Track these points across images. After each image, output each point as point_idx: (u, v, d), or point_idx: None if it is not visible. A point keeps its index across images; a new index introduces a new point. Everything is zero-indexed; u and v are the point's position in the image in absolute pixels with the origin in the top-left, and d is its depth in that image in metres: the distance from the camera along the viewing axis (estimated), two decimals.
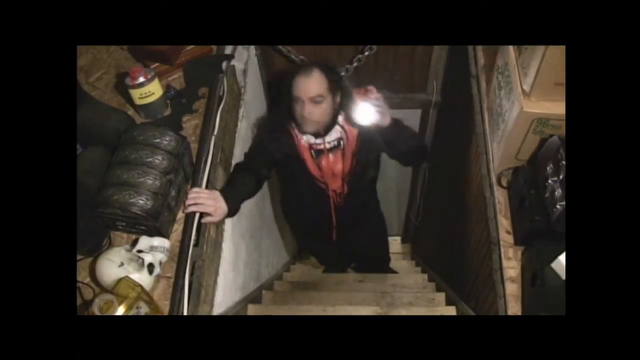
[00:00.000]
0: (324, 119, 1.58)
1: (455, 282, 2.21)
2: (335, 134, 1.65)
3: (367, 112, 1.48)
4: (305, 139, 1.66)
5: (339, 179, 1.75)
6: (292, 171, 1.77)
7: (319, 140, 1.65)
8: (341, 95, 1.59)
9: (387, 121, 1.52)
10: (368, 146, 1.67)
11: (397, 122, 1.56)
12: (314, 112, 1.54)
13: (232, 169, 1.67)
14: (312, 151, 1.67)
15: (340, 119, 1.63)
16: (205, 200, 1.36)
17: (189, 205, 1.36)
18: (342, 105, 1.61)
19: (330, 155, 1.68)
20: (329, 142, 1.66)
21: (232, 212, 1.47)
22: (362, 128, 1.60)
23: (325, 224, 1.94)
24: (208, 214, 1.37)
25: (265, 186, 2.36)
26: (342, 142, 1.66)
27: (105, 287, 1.22)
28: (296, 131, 1.66)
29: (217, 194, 1.42)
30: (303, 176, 1.74)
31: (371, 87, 1.48)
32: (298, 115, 1.57)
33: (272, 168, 1.73)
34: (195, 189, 1.38)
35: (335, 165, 1.70)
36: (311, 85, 1.51)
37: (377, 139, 1.62)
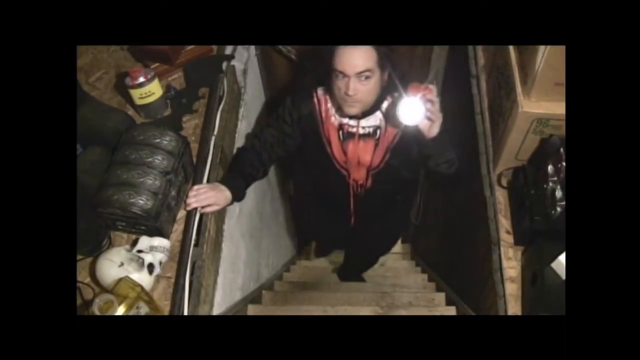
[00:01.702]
0: (369, 99, 1.37)
1: (455, 282, 2.21)
2: (373, 119, 1.43)
3: (414, 111, 1.23)
4: (336, 117, 1.46)
5: (364, 170, 1.55)
6: (309, 148, 1.56)
7: (352, 122, 1.44)
8: (389, 75, 1.37)
9: (433, 132, 1.28)
10: (408, 146, 1.44)
11: (443, 137, 1.31)
12: (360, 91, 1.32)
13: (234, 152, 1.61)
14: (341, 132, 1.47)
15: (385, 104, 1.41)
16: (205, 193, 1.36)
17: (190, 202, 1.36)
18: (389, 88, 1.39)
19: (361, 142, 1.47)
20: (363, 127, 1.44)
21: (237, 197, 1.46)
22: (405, 127, 1.35)
23: (343, 210, 1.77)
24: (209, 205, 1.38)
25: (265, 186, 2.36)
26: (379, 132, 1.45)
27: (105, 287, 1.22)
28: (326, 105, 1.46)
29: (217, 184, 1.42)
30: (322, 157, 1.54)
31: (431, 86, 1.24)
32: (339, 94, 1.34)
33: (283, 147, 1.55)
34: (195, 187, 1.38)
35: (363, 154, 1.49)
36: (359, 58, 1.27)
37: (417, 141, 1.39)
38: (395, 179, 1.60)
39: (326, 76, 1.37)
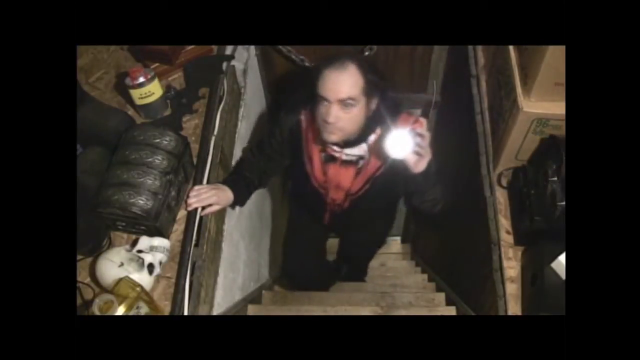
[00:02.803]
0: (351, 128, 1.28)
1: (455, 282, 2.21)
2: (358, 149, 1.38)
3: (402, 144, 1.17)
4: (319, 139, 1.39)
5: (342, 193, 1.51)
6: (293, 162, 1.55)
7: (336, 148, 1.39)
8: (378, 103, 1.30)
9: (420, 168, 1.22)
10: (391, 178, 1.40)
11: (428, 174, 1.25)
12: (341, 119, 1.24)
13: (234, 153, 1.65)
14: (323, 154, 1.43)
15: (372, 138, 1.35)
16: (206, 193, 1.38)
17: (191, 202, 1.36)
18: (376, 119, 1.32)
19: (343, 168, 1.43)
20: (346, 154, 1.39)
21: (238, 200, 1.48)
22: (390, 160, 1.29)
23: (319, 218, 1.73)
24: (210, 205, 1.39)
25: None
26: (361, 162, 1.40)
27: (105, 287, 1.22)
28: (312, 126, 1.40)
29: (219, 184, 1.44)
30: (302, 174, 1.52)
31: (422, 120, 1.21)
32: (319, 119, 1.28)
33: (277, 163, 1.57)
34: (197, 187, 1.39)
35: (343, 179, 1.46)
36: (343, 84, 1.21)
37: (401, 176, 1.32)
38: (373, 204, 1.55)
39: (313, 99, 1.30)
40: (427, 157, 1.20)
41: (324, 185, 1.50)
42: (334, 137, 1.29)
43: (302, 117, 1.41)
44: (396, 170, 1.30)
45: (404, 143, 1.17)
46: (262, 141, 1.57)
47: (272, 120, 1.53)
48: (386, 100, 1.31)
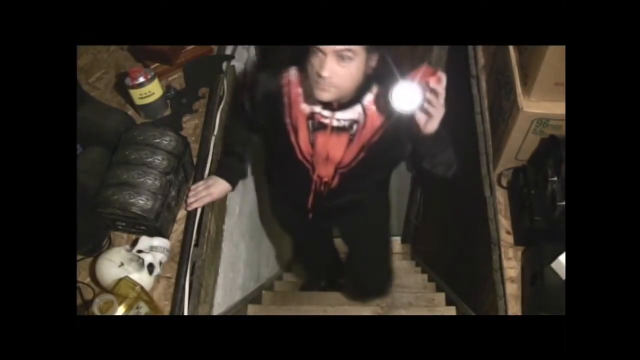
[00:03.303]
0: (346, 86, 1.12)
1: (455, 282, 2.21)
2: (352, 112, 1.21)
3: (412, 100, 1.01)
4: (307, 103, 1.23)
5: (332, 167, 1.31)
6: (271, 134, 1.36)
7: (326, 112, 1.22)
8: (379, 60, 1.14)
9: (431, 128, 1.07)
10: (388, 145, 1.24)
11: (442, 135, 1.11)
12: (337, 73, 1.09)
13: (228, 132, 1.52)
14: (311, 122, 1.24)
15: (368, 98, 1.19)
16: (204, 191, 1.40)
17: (191, 202, 1.39)
18: (376, 77, 1.16)
19: (333, 136, 1.24)
20: (338, 120, 1.22)
21: (235, 183, 1.46)
22: (392, 120, 1.16)
23: (301, 203, 1.48)
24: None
25: (266, 186, 2.36)
26: (355, 126, 1.22)
27: (105, 287, 1.22)
28: (297, 88, 1.24)
29: (211, 177, 1.43)
30: (284, 146, 1.30)
31: (441, 74, 1.01)
32: (312, 73, 1.12)
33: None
34: (193, 187, 1.41)
35: (334, 149, 1.26)
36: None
37: (403, 142, 1.20)
38: (365, 181, 1.39)
39: (303, 54, 1.15)
40: (439, 116, 1.04)
41: (310, 160, 1.30)
42: (327, 95, 1.13)
43: (286, 80, 1.24)
44: (399, 133, 1.17)
45: (413, 96, 1.00)
46: (237, 110, 1.45)
47: (248, 84, 1.36)
48: (390, 56, 1.14)
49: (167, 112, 1.61)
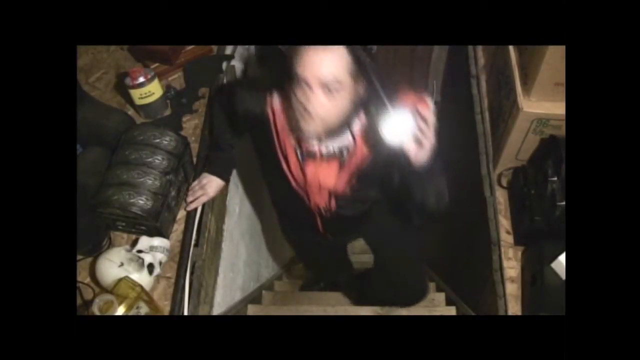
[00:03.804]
0: (334, 118, 1.06)
1: (455, 282, 2.21)
2: (340, 140, 1.14)
3: (399, 127, 0.94)
4: (293, 132, 1.14)
5: (325, 194, 1.25)
6: (263, 158, 1.30)
7: (314, 140, 1.14)
8: (366, 87, 1.06)
9: (421, 159, 0.98)
10: (380, 170, 1.17)
11: (431, 167, 1.01)
12: (324, 106, 1.02)
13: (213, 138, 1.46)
14: (299, 150, 1.17)
15: (357, 125, 1.11)
16: (200, 190, 1.41)
17: (189, 202, 1.40)
18: (365, 102, 1.08)
19: (323, 164, 1.17)
20: (326, 147, 1.15)
21: (229, 177, 1.47)
22: (381, 148, 1.06)
23: (311, 226, 1.42)
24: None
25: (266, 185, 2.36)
26: (345, 153, 1.15)
27: (105, 287, 1.22)
28: (282, 115, 1.15)
29: (204, 177, 1.42)
30: (277, 174, 1.24)
31: (427, 99, 0.96)
32: (297, 105, 1.05)
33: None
34: (190, 188, 1.42)
35: (325, 177, 1.20)
36: (327, 64, 0.98)
37: (392, 170, 1.12)
38: (362, 201, 1.33)
39: (285, 78, 1.08)
40: (430, 145, 0.96)
41: (304, 188, 1.25)
42: (312, 127, 1.06)
43: (269, 107, 1.16)
44: (388, 161, 1.09)
45: (403, 126, 0.93)
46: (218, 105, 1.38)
47: (227, 97, 1.28)
48: (375, 79, 1.04)
49: (167, 112, 1.61)
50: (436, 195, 1.11)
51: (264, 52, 1.96)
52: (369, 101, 1.08)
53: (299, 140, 1.15)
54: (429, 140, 0.96)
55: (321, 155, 1.16)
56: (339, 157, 1.17)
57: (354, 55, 1.01)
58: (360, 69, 1.03)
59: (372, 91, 1.04)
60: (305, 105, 1.02)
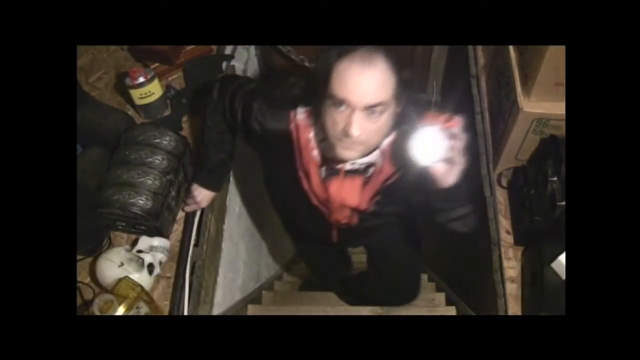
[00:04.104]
0: (375, 140, 0.99)
1: (455, 282, 2.21)
2: (368, 157, 1.07)
3: (430, 148, 0.88)
4: (319, 151, 1.09)
5: (347, 211, 1.20)
6: (278, 175, 1.24)
7: (339, 159, 1.06)
8: (403, 104, 0.99)
9: (449, 180, 0.91)
10: (407, 189, 1.09)
11: (459, 189, 0.94)
12: (367, 130, 0.94)
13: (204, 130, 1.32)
14: (323, 169, 1.10)
15: (386, 141, 1.05)
16: (193, 205, 1.40)
17: (189, 205, 1.41)
18: (397, 122, 1.01)
19: (347, 180, 1.11)
20: (352, 163, 1.07)
21: (218, 187, 1.44)
22: (409, 166, 0.97)
23: (324, 238, 1.39)
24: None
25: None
26: (371, 169, 1.09)
27: (105, 287, 1.22)
28: (306, 134, 1.08)
29: (195, 188, 1.38)
30: (296, 191, 1.17)
31: (457, 119, 0.89)
32: (334, 130, 0.95)
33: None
34: (189, 196, 1.41)
35: (349, 195, 1.14)
36: (372, 85, 0.90)
37: (421, 188, 1.00)
38: (386, 216, 1.26)
39: (312, 96, 1.01)
40: (460, 166, 0.91)
41: (325, 204, 1.19)
42: (352, 154, 0.99)
43: (293, 124, 1.09)
44: (415, 179, 1.00)
45: (432, 146, 0.88)
46: (212, 108, 1.26)
47: (235, 107, 1.16)
48: (408, 101, 1.00)
49: (167, 112, 1.61)
50: (462, 218, 1.06)
51: (269, 72, 1.91)
52: (400, 118, 1.01)
53: (324, 160, 1.09)
54: (459, 162, 0.90)
55: (345, 172, 1.10)
56: (364, 174, 1.10)
57: (398, 73, 0.94)
58: (402, 90, 0.96)
59: (405, 108, 1.00)
60: (347, 130, 0.92)
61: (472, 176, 1.06)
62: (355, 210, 1.19)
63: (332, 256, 1.88)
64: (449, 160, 0.89)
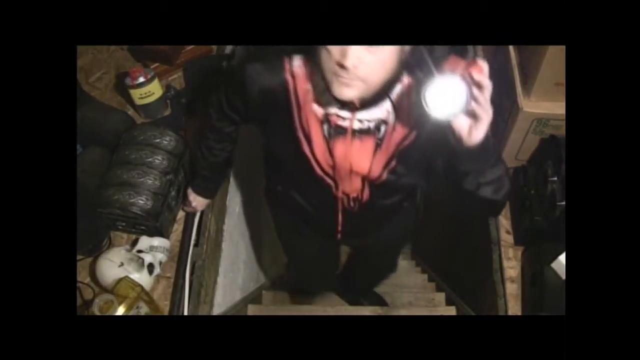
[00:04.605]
0: (377, 78, 0.85)
1: (455, 282, 2.21)
2: (377, 111, 0.94)
3: (451, 97, 0.75)
4: (320, 103, 0.96)
5: (358, 181, 1.05)
6: (276, 142, 1.07)
7: (344, 113, 0.94)
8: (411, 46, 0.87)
9: (476, 137, 0.80)
10: (425, 150, 0.96)
11: (487, 146, 0.83)
12: (365, 62, 0.82)
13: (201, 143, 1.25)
14: (326, 126, 0.97)
15: (399, 88, 0.92)
16: (194, 202, 1.40)
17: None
18: (409, 64, 0.89)
19: (356, 141, 0.97)
20: (360, 121, 0.95)
21: (213, 194, 1.43)
22: (427, 122, 0.82)
23: (327, 224, 1.23)
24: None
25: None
26: (383, 128, 0.96)
27: (105, 287, 1.22)
28: (304, 84, 0.96)
29: (190, 194, 1.37)
30: (297, 158, 1.03)
31: (482, 63, 0.76)
32: (329, 64, 0.84)
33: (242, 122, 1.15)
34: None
35: (359, 159, 1.00)
36: None
37: (443, 149, 0.88)
38: (403, 189, 1.13)
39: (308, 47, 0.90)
40: (487, 119, 0.79)
41: (331, 174, 1.04)
42: (350, 92, 0.84)
43: (289, 73, 0.97)
44: (435, 138, 0.87)
45: (455, 96, 0.75)
46: (214, 115, 1.16)
47: (238, 80, 1.02)
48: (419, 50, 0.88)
49: (167, 112, 1.61)
50: (494, 183, 0.90)
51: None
52: (413, 63, 0.89)
53: (327, 114, 0.96)
54: (486, 113, 0.78)
55: (353, 131, 0.96)
56: (375, 134, 0.97)
57: None
58: None
59: (417, 51, 0.88)
60: (341, 61, 0.81)
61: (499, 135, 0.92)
62: (366, 179, 1.04)
63: (327, 255, 1.80)
64: (473, 113, 0.77)
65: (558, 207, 1.25)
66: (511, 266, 1.38)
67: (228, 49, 1.80)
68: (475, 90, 0.75)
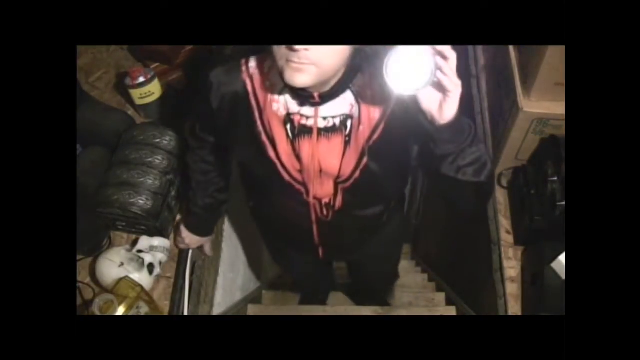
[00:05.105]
0: (331, 63, 0.81)
1: (455, 282, 2.21)
2: (341, 105, 0.90)
3: (416, 70, 0.72)
4: (280, 102, 0.92)
5: (330, 183, 1.00)
6: (242, 149, 1.04)
7: (307, 110, 0.91)
8: None
9: (448, 114, 0.76)
10: (397, 143, 0.93)
11: (461, 123, 0.80)
12: (313, 49, 0.79)
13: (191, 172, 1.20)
14: (290, 126, 0.93)
15: (360, 82, 0.89)
16: (182, 246, 1.34)
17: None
18: (368, 54, 0.86)
19: (323, 140, 0.93)
20: (325, 118, 0.91)
21: (209, 233, 1.35)
22: (395, 108, 0.85)
23: (303, 238, 1.17)
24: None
25: None
26: (349, 123, 0.92)
27: (105, 287, 1.22)
28: (263, 83, 0.93)
29: (182, 231, 1.30)
30: (263, 164, 0.99)
31: (451, 51, 0.75)
32: (280, 54, 0.82)
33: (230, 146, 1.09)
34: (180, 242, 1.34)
35: (327, 158, 0.95)
36: None
37: (417, 136, 0.86)
38: (378, 193, 1.07)
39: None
40: (457, 93, 0.75)
41: (299, 178, 0.99)
42: (303, 78, 0.80)
43: (246, 74, 0.94)
44: (405, 124, 0.84)
45: (417, 66, 0.71)
46: (192, 144, 1.14)
47: (200, 90, 0.99)
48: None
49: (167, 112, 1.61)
50: (474, 164, 0.84)
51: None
52: (370, 52, 0.85)
53: (289, 113, 0.92)
54: (455, 85, 0.74)
55: (319, 130, 0.92)
56: (343, 131, 0.92)
57: None
58: None
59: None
60: (291, 47, 0.78)
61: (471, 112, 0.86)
62: (338, 182, 0.99)
63: (320, 274, 1.79)
64: (441, 86, 0.73)
65: (558, 207, 1.25)
66: (511, 266, 1.38)
67: (228, 49, 1.80)
68: (439, 60, 0.72)
